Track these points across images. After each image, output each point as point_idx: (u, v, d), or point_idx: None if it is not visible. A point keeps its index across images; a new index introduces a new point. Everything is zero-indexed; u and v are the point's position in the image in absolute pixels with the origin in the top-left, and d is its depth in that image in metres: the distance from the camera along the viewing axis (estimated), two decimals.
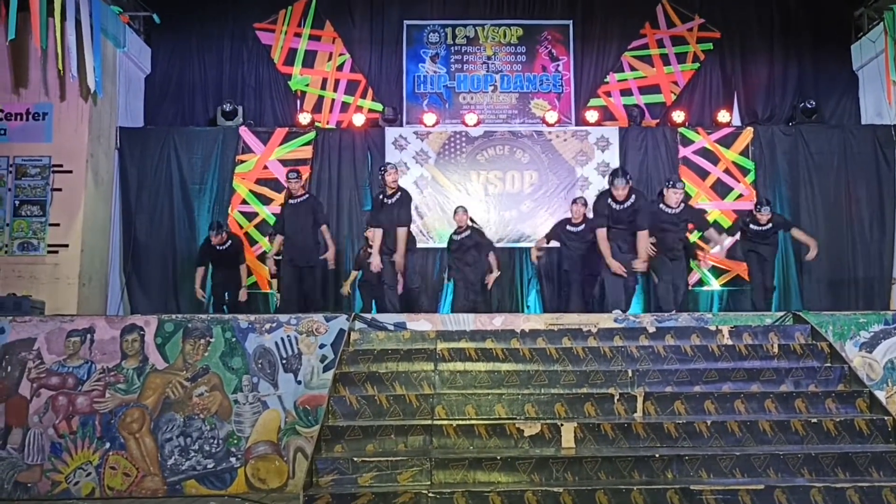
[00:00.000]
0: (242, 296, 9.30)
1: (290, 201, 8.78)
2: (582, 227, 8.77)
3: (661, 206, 7.91)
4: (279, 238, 8.80)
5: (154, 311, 9.07)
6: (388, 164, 8.67)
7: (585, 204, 8.85)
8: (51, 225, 9.26)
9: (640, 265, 7.52)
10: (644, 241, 7.48)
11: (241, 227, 10.37)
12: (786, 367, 5.82)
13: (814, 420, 5.15)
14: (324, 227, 8.78)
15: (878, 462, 4.77)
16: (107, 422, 6.06)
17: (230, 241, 9.34)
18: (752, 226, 8.77)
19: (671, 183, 8.04)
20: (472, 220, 9.30)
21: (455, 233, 9.32)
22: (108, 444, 6.03)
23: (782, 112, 11.33)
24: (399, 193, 8.02)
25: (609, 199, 7.58)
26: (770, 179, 10.66)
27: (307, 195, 8.93)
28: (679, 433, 5.12)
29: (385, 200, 8.00)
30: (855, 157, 10.58)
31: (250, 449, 6.05)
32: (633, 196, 7.54)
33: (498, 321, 6.68)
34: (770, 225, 8.66)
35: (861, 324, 6.38)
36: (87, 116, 9.47)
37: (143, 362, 6.17)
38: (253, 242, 10.34)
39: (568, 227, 8.98)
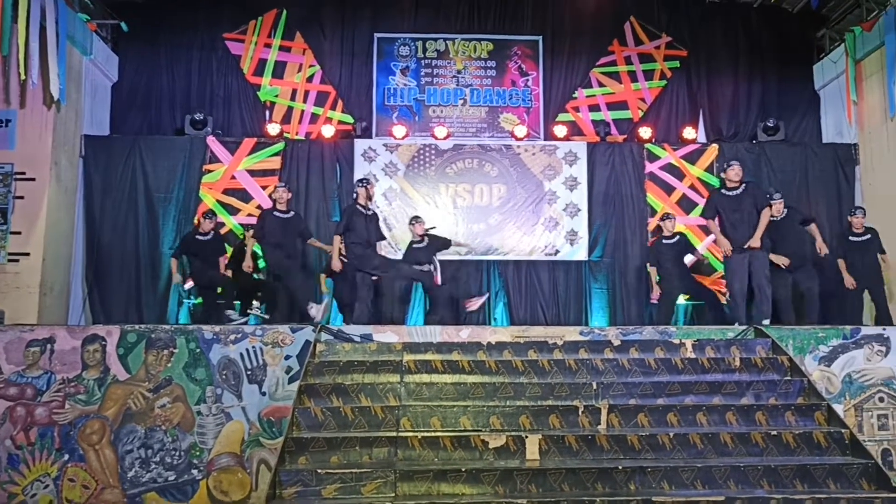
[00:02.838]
0: (223, 267, 9.27)
1: (276, 213, 8.56)
2: (675, 239, 9.23)
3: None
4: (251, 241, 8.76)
5: (116, 322, 8.98)
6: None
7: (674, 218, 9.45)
8: (12, 233, 9.10)
9: (754, 242, 7.62)
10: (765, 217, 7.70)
11: None
12: (747, 380, 5.91)
13: (773, 433, 5.24)
14: (311, 240, 8.91)
15: (835, 474, 4.86)
16: (66, 433, 5.97)
17: (212, 234, 9.25)
18: (850, 237, 8.88)
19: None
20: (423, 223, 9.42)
21: (414, 242, 9.34)
22: (66, 456, 5.94)
23: (746, 130, 11.52)
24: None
25: (722, 190, 7.89)
26: None
27: (293, 213, 8.77)
28: (642, 445, 5.17)
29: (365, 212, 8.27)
30: (816, 174, 10.79)
31: (213, 461, 5.99)
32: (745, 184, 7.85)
33: (464, 333, 6.69)
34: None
35: (820, 338, 6.49)
36: (52, 124, 9.35)
37: (104, 373, 6.09)
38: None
39: (663, 241, 9.31)
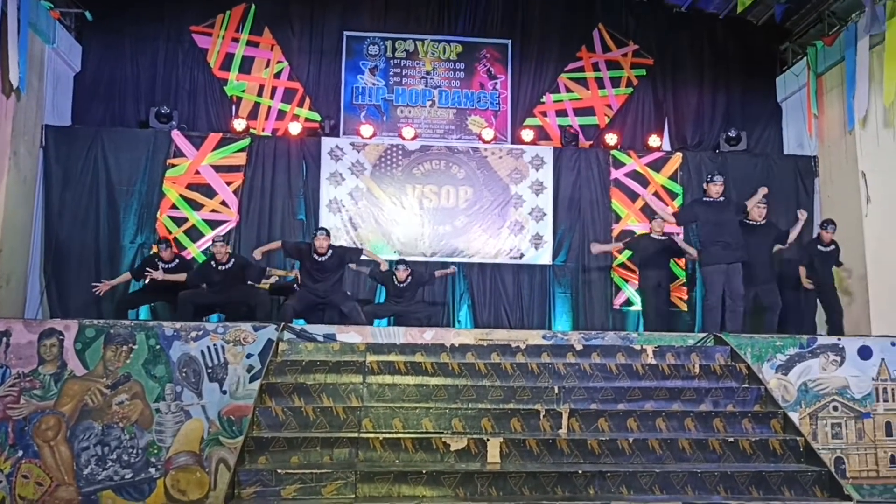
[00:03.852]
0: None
1: (219, 267, 8.42)
2: None
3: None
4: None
5: (74, 316, 8.81)
6: (321, 229, 8.78)
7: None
8: None
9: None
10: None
11: (170, 232, 10.15)
12: (706, 387, 5.99)
13: (731, 439, 5.32)
14: (261, 284, 8.86)
15: (790, 481, 4.95)
16: (20, 429, 5.85)
17: (177, 261, 9.02)
18: (818, 246, 9.01)
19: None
20: (405, 263, 9.44)
21: (398, 281, 9.27)
22: (20, 452, 5.82)
23: (710, 139, 11.69)
24: (331, 251, 8.43)
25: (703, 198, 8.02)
26: None
27: (232, 259, 8.53)
28: (602, 450, 5.22)
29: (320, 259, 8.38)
30: (776, 185, 10.90)
31: (171, 459, 5.91)
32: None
33: (428, 335, 6.69)
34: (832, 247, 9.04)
35: (778, 347, 6.61)
36: (11, 112, 9.14)
37: (61, 368, 5.98)
38: (181, 248, 10.11)
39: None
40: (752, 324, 8.53)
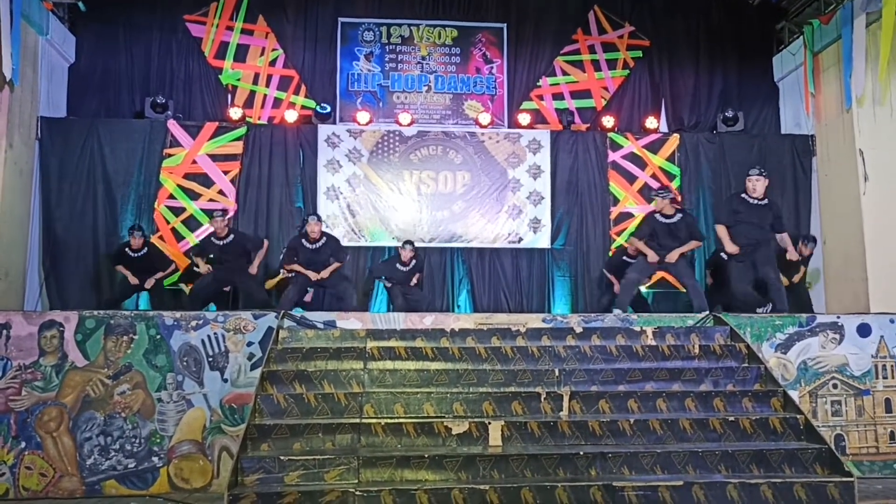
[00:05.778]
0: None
1: (216, 241, 8.79)
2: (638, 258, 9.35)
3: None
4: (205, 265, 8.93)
5: (74, 308, 8.82)
6: (313, 215, 8.90)
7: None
8: None
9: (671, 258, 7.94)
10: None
11: (168, 223, 10.17)
12: (706, 367, 6.00)
13: (731, 418, 5.33)
14: (261, 252, 8.89)
15: (790, 459, 4.96)
16: (23, 420, 5.87)
17: (146, 250, 9.27)
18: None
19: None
20: (413, 249, 9.55)
21: (401, 263, 9.47)
22: (23, 444, 5.84)
23: (707, 120, 11.66)
24: (324, 238, 8.70)
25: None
26: (694, 185, 10.97)
27: (232, 235, 8.88)
28: (603, 431, 5.23)
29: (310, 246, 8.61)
30: (774, 165, 10.92)
31: (174, 448, 5.94)
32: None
33: (428, 320, 6.72)
34: None
35: (777, 326, 6.63)
36: (6, 104, 9.09)
37: (62, 359, 5.99)
38: (180, 238, 10.14)
39: (624, 259, 9.35)
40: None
